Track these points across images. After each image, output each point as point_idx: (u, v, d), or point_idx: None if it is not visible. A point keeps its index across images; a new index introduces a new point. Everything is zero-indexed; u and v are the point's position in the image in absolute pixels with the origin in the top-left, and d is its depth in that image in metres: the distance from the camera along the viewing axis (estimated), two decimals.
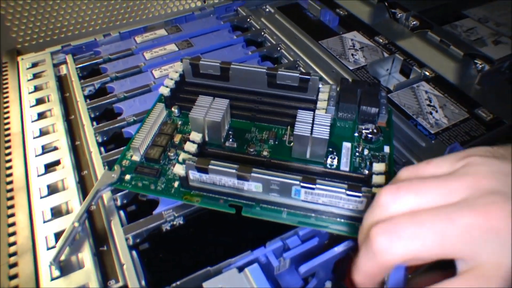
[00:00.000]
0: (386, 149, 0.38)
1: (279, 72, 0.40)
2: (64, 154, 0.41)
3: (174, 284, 0.32)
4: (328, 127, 0.35)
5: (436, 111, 0.46)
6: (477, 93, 0.49)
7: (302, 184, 0.31)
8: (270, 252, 0.35)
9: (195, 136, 0.36)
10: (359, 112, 0.39)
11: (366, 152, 0.38)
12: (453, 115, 0.45)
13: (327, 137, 0.34)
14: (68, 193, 0.37)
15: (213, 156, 0.36)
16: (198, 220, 0.36)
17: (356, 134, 0.39)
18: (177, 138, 0.39)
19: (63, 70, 0.52)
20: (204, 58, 0.42)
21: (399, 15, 0.60)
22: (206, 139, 0.38)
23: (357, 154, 0.38)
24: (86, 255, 0.32)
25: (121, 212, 0.36)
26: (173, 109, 0.41)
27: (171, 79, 0.41)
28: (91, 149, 0.41)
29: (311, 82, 0.40)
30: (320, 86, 0.41)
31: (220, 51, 0.53)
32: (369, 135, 0.39)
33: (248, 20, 0.60)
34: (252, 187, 0.33)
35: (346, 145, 0.38)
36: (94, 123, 0.44)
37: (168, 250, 0.37)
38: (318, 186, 0.31)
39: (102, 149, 0.42)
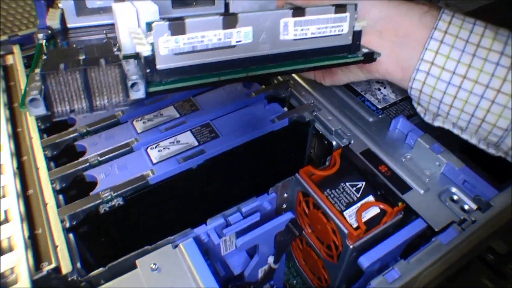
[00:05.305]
0: None
1: None
2: (4, 140, 0.39)
3: (110, 264, 0.31)
4: None
5: (385, 87, 0.46)
6: None
7: (293, 13, 0.28)
8: (211, 229, 0.34)
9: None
10: None
11: None
12: (400, 90, 0.45)
13: None
14: (5, 178, 0.36)
15: None
16: (139, 200, 0.35)
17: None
18: None
19: (10, 60, 0.51)
20: None
21: None
22: None
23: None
24: (17, 237, 0.31)
25: (60, 196, 0.36)
26: None
27: None
28: (32, 135, 0.40)
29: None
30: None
31: None
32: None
33: None
34: (242, 36, 0.27)
35: None
36: None
37: (110, 231, 0.36)
38: (307, 12, 0.29)
39: (45, 135, 0.41)
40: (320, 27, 0.29)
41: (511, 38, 0.32)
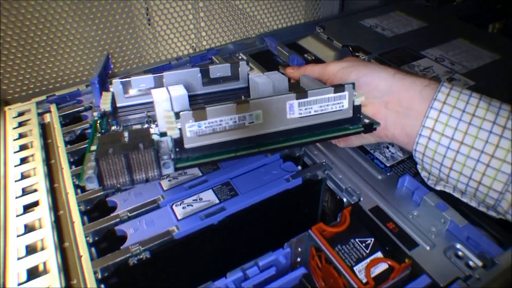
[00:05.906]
0: None
1: None
2: (42, 196, 0.43)
3: None
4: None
5: (393, 145, 0.49)
6: None
7: (296, 96, 0.33)
8: (230, 282, 0.37)
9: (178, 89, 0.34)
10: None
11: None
12: None
13: None
14: (44, 231, 0.40)
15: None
16: (164, 254, 0.38)
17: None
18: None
19: (47, 118, 0.56)
20: None
21: (362, 57, 0.64)
22: None
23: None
24: None
25: (93, 249, 0.39)
26: None
27: None
28: (68, 190, 0.44)
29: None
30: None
31: None
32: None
33: None
34: (254, 118, 0.32)
35: None
36: (73, 166, 0.47)
37: (137, 282, 0.39)
38: (309, 94, 0.33)
39: (79, 190, 0.45)
40: (322, 105, 0.33)
41: (504, 109, 0.35)
